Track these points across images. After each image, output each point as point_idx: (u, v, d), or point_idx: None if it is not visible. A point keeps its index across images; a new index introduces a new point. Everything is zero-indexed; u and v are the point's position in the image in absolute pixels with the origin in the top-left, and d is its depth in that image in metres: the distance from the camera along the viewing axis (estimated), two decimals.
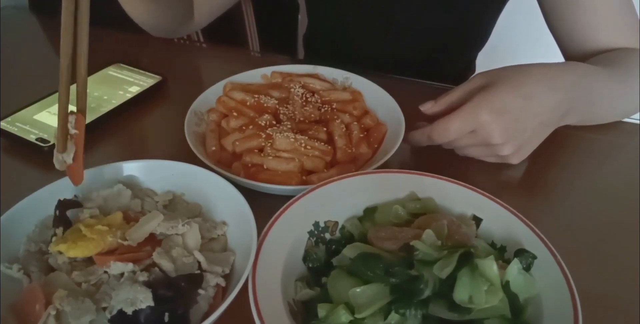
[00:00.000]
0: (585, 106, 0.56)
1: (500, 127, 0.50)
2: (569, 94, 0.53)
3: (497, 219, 0.45)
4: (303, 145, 0.54)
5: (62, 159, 0.41)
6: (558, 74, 0.53)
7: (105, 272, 0.39)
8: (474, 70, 0.99)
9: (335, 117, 0.60)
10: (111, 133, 0.62)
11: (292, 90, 0.63)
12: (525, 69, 0.53)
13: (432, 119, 0.55)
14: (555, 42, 0.69)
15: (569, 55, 0.69)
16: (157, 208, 0.46)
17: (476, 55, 0.97)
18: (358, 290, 0.37)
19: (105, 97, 0.65)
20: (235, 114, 0.59)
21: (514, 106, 0.50)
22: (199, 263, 0.41)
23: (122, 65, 0.72)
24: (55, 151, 0.41)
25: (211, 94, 0.62)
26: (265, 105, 0.60)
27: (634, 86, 0.59)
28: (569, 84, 0.53)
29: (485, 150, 0.54)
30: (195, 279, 0.39)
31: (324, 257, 0.44)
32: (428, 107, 0.56)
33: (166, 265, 0.39)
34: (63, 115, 0.40)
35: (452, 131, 0.51)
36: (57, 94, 0.64)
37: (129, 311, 0.35)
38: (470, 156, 0.56)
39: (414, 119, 0.58)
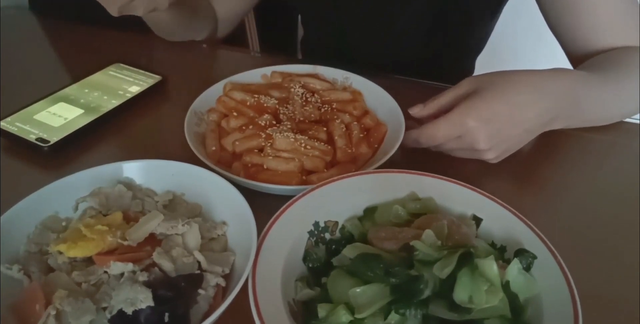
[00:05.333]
0: (572, 113, 0.57)
1: (486, 135, 0.51)
2: (556, 102, 0.53)
3: (497, 219, 0.45)
4: (303, 145, 0.54)
5: None
6: (546, 81, 0.53)
7: (105, 272, 0.39)
8: (473, 71, 0.99)
9: (335, 117, 0.60)
10: (111, 133, 0.62)
11: (292, 90, 0.63)
12: (513, 76, 0.53)
13: (421, 119, 0.56)
14: (558, 42, 0.69)
15: (571, 55, 0.69)
16: (157, 208, 0.46)
17: (476, 57, 0.97)
18: (358, 290, 0.37)
19: (105, 97, 0.65)
20: (235, 114, 0.59)
21: (501, 114, 0.51)
22: (198, 263, 0.41)
23: (122, 65, 0.72)
24: None
25: (211, 94, 0.62)
26: (265, 105, 0.60)
27: (634, 86, 0.59)
28: (556, 92, 0.53)
29: (470, 153, 0.55)
30: (195, 279, 0.39)
31: (324, 257, 0.44)
32: (416, 111, 0.57)
33: (166, 265, 0.39)
34: None
35: (439, 137, 0.52)
36: (56, 94, 0.65)
37: (129, 311, 0.35)
38: (453, 155, 0.57)
39: (413, 119, 0.58)
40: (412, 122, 0.59)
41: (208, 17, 0.78)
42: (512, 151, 0.55)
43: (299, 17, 1.18)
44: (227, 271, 0.41)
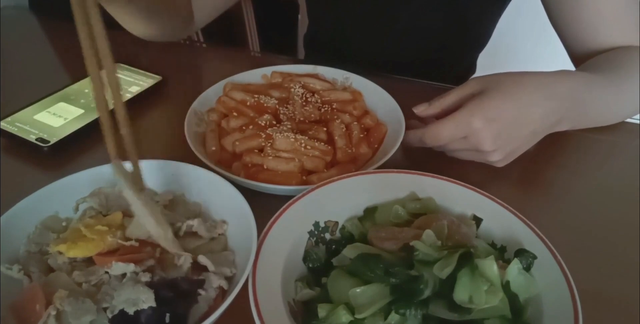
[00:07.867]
0: (577, 114, 0.56)
1: (491, 135, 0.50)
2: (562, 104, 0.53)
3: (497, 219, 0.45)
4: (303, 145, 0.54)
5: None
6: (552, 83, 0.53)
7: (106, 272, 0.39)
8: (474, 71, 0.99)
9: (335, 117, 0.60)
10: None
11: (292, 90, 0.63)
12: (519, 77, 0.53)
13: (425, 118, 0.56)
14: (560, 40, 0.69)
15: (573, 54, 0.69)
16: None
17: (477, 56, 0.97)
18: (358, 290, 0.37)
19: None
20: (235, 114, 0.59)
21: (508, 115, 0.50)
22: (197, 263, 0.41)
23: (122, 65, 0.72)
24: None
25: (211, 94, 0.62)
26: (265, 105, 0.60)
27: (634, 88, 0.59)
28: (562, 94, 0.53)
29: (475, 155, 0.54)
30: (197, 281, 0.39)
31: (324, 257, 0.44)
32: (421, 110, 0.57)
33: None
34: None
35: (444, 136, 0.52)
36: (56, 94, 0.65)
37: (131, 311, 0.35)
38: (458, 158, 0.56)
39: (417, 119, 0.58)
40: (414, 122, 0.59)
41: (180, 15, 0.70)
42: (517, 154, 0.54)
43: (299, 17, 1.18)
44: (234, 271, 0.41)
